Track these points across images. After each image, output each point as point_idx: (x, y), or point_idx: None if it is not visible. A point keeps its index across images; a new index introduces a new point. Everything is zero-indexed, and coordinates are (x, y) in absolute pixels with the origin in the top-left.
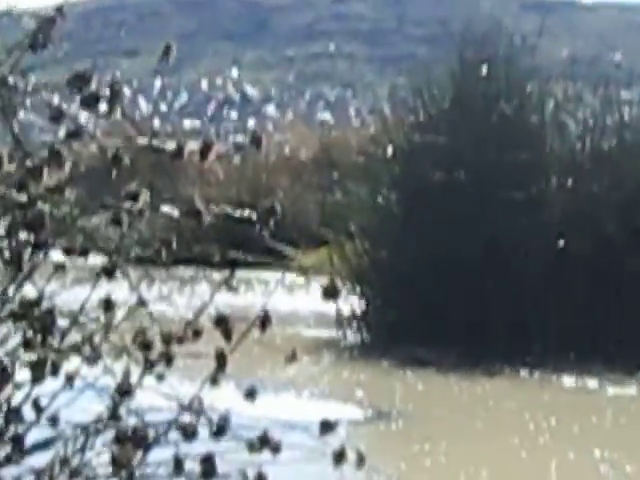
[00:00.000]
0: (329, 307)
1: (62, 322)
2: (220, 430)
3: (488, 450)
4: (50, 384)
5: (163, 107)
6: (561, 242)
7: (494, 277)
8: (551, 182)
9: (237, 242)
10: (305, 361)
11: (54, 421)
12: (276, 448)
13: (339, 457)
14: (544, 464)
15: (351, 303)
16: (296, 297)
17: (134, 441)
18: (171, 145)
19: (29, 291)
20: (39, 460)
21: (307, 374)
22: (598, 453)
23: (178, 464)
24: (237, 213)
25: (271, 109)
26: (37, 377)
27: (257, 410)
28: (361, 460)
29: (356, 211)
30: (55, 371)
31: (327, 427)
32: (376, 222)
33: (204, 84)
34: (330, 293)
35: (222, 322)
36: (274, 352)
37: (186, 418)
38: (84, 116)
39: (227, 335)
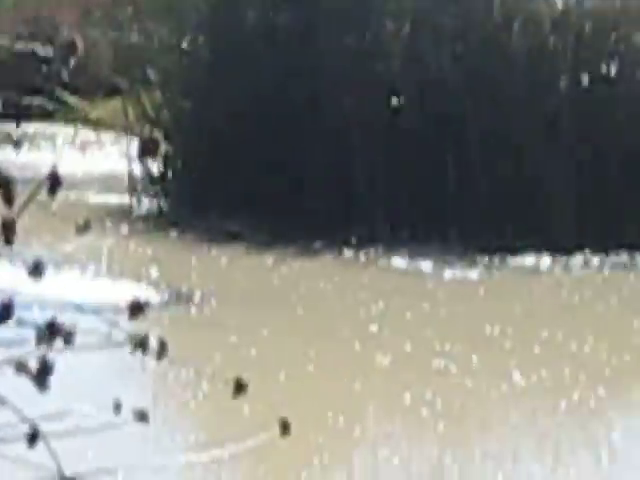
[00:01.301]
0: (122, 169)
1: None
2: (3, 314)
3: (314, 343)
4: None
5: None
6: (395, 99)
7: (316, 140)
8: (387, 27)
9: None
10: (90, 233)
11: None
12: (68, 338)
13: (140, 345)
14: (377, 358)
15: (147, 166)
16: (83, 156)
17: None
18: None
19: None
20: None
21: (93, 248)
22: (439, 343)
23: None
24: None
25: None
26: None
27: (38, 290)
28: (163, 350)
29: (156, 55)
30: None
31: (136, 309)
32: (180, 69)
33: None
34: (149, 149)
35: (3, 184)
36: (54, 221)
37: None
38: None
39: (8, 200)
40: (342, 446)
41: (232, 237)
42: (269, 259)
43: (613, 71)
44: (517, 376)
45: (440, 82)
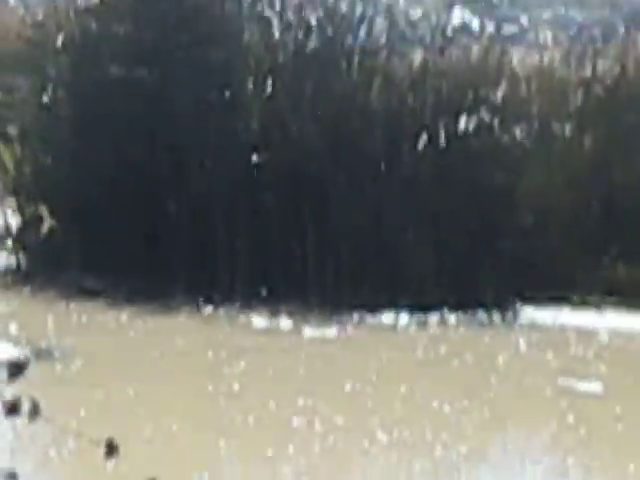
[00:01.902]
0: None
1: None
2: None
3: (179, 400)
4: None
5: None
6: (256, 156)
7: (176, 197)
8: (247, 84)
9: None
10: None
11: None
12: None
13: (13, 408)
14: (241, 416)
15: (6, 219)
16: None
17: None
18: None
19: None
20: None
21: None
22: (301, 401)
23: None
24: None
25: None
26: None
27: None
28: (36, 410)
29: (16, 110)
30: None
31: (16, 369)
32: (40, 124)
33: None
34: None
35: None
36: None
37: None
38: None
39: None
40: None
41: (91, 294)
42: (127, 315)
43: (470, 127)
44: (379, 433)
45: (299, 141)
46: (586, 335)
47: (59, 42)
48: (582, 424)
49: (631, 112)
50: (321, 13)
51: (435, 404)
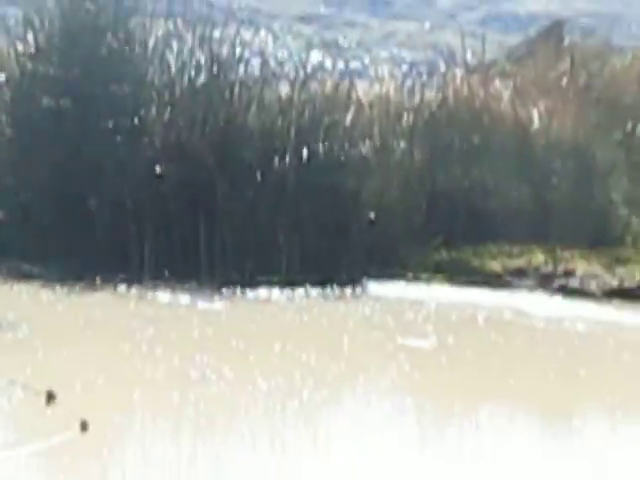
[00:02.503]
0: None
1: None
2: None
3: (103, 359)
4: None
5: None
6: (158, 168)
7: (97, 198)
8: (151, 111)
9: None
10: None
11: None
12: None
13: None
14: (153, 371)
15: None
16: None
17: None
18: None
19: None
20: None
21: None
22: (197, 357)
23: None
24: None
25: None
26: None
27: None
28: None
29: None
30: None
31: None
32: None
33: None
34: None
35: None
36: None
37: None
38: None
39: None
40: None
41: (30, 277)
42: (59, 293)
43: (326, 144)
44: (260, 382)
45: (193, 155)
46: (418, 304)
47: (2, 78)
48: (416, 372)
49: (450, 131)
50: (208, 55)
51: (303, 358)
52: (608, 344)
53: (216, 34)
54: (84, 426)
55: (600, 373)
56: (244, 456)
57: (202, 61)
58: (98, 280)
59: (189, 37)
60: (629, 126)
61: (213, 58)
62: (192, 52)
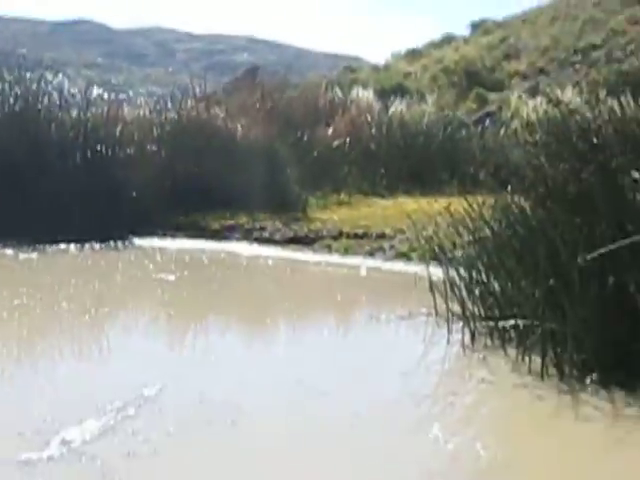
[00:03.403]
0: None
1: None
2: None
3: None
4: None
5: None
6: None
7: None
8: None
9: None
10: None
11: None
12: None
13: None
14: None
15: None
16: None
17: None
18: None
19: None
20: None
21: None
22: (23, 289)
23: None
24: None
25: None
26: None
27: None
28: None
29: None
30: None
31: None
32: None
33: None
34: None
35: None
36: None
37: None
38: None
39: None
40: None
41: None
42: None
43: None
44: (74, 305)
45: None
46: (165, 252)
47: None
48: (166, 294)
49: (184, 137)
50: (24, 90)
51: (90, 287)
52: (287, 271)
53: (28, 75)
54: None
55: (283, 290)
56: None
57: (19, 93)
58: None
59: (8, 77)
60: (299, 134)
61: (27, 91)
62: (11, 87)
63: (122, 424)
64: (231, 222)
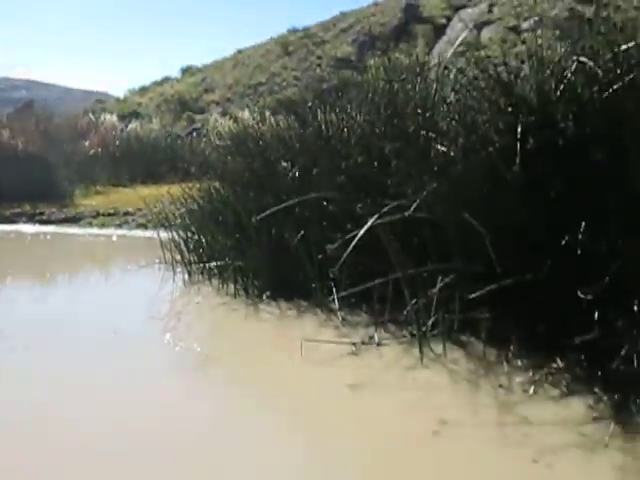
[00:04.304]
0: None
1: None
2: None
3: None
4: None
5: None
6: None
7: None
8: None
9: None
10: None
11: None
12: None
13: None
14: None
15: None
16: None
17: None
18: None
19: None
20: None
21: None
22: None
23: None
24: None
25: None
26: None
27: None
28: None
29: None
30: None
31: None
32: None
33: None
34: None
35: None
36: None
37: None
38: None
39: None
40: None
41: None
42: None
43: None
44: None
45: None
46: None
47: None
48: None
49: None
50: None
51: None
52: (60, 241)
53: None
54: None
55: (58, 254)
56: None
57: None
58: None
59: None
60: (64, 147)
61: None
62: None
63: None
64: (18, 210)
